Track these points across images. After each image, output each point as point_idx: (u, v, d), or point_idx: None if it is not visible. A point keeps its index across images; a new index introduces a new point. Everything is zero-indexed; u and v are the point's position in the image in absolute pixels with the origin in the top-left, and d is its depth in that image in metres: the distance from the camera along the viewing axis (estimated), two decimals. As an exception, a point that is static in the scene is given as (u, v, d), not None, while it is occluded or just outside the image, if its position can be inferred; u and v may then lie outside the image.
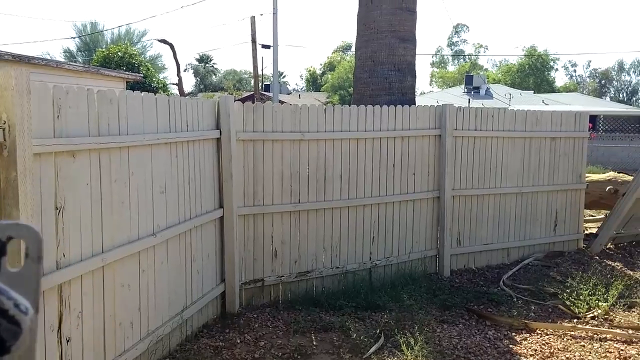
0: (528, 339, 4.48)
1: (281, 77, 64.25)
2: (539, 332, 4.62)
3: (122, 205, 3.40)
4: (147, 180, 3.68)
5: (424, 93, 48.17)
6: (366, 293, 5.30)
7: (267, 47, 25.92)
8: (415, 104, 7.08)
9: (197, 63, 71.43)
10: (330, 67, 57.23)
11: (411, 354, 3.98)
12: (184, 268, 4.21)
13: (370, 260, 5.79)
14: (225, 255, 4.82)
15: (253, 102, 5.14)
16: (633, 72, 61.34)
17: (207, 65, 71.43)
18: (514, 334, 4.57)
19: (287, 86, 60.94)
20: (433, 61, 68.78)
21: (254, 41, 25.20)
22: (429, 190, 6.20)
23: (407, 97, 7.19)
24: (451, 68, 65.74)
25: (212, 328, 4.50)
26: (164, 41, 20.41)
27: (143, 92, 3.69)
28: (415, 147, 6.04)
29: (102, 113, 3.21)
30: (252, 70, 27.15)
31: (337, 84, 44.41)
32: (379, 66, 7.14)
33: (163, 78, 29.52)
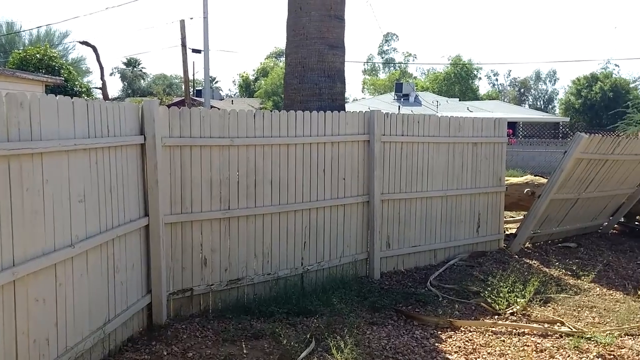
0: (453, 336, 4.64)
1: (213, 82, 63.25)
2: (463, 329, 4.80)
3: (36, 215, 3.21)
4: (64, 188, 3.49)
5: (357, 100, 49.01)
6: (298, 298, 5.30)
7: (198, 51, 25.47)
8: (345, 109, 7.19)
9: (124, 67, 69.04)
10: (263, 72, 57.03)
11: (341, 357, 4.02)
12: (106, 280, 4.03)
13: (302, 266, 5.79)
14: (152, 265, 4.66)
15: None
16: (549, 81, 65.46)
17: (135, 69, 69.20)
18: (439, 332, 4.72)
19: (220, 92, 60.10)
20: (364, 69, 70.24)
21: (184, 45, 24.68)
22: (359, 194, 6.30)
23: (337, 103, 7.29)
24: (382, 76, 67.36)
25: (137, 341, 4.33)
26: (86, 43, 19.54)
27: (59, 96, 3.50)
28: (345, 152, 6.12)
29: (11, 117, 3.02)
30: (182, 75, 26.55)
31: (271, 90, 44.32)
32: (309, 72, 7.20)
33: (87, 82, 28.25)
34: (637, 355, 4.28)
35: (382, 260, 6.54)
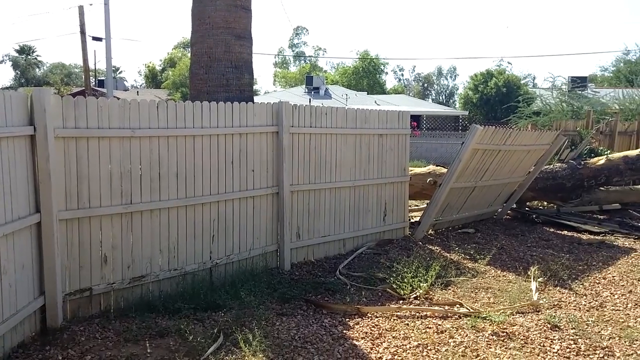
0: (360, 322, 4.77)
1: (117, 72, 60.15)
2: (370, 315, 4.94)
3: None
4: (-63, 183, 3.15)
5: (268, 92, 48.83)
6: (206, 293, 5.19)
7: (99, 39, 24.10)
8: (253, 101, 7.11)
9: (16, 54, 63.86)
10: (171, 63, 55.10)
11: (249, 349, 3.99)
12: (-9, 283, 3.70)
13: (210, 260, 5.68)
14: (45, 265, 4.35)
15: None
16: (450, 77, 69.05)
17: (28, 57, 64.24)
18: (347, 319, 4.83)
19: (125, 82, 57.30)
20: (276, 61, 70.10)
21: (83, 32, 23.23)
22: (268, 186, 6.27)
23: (245, 94, 7.20)
24: (293, 69, 67.52)
25: (29, 347, 4.02)
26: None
27: None
28: (253, 144, 6.06)
29: None
30: (82, 64, 24.97)
31: (179, 81, 42.96)
32: (216, 62, 7.04)
33: (-29, 69, 25.83)
34: (527, 332, 4.63)
35: (292, 251, 6.57)
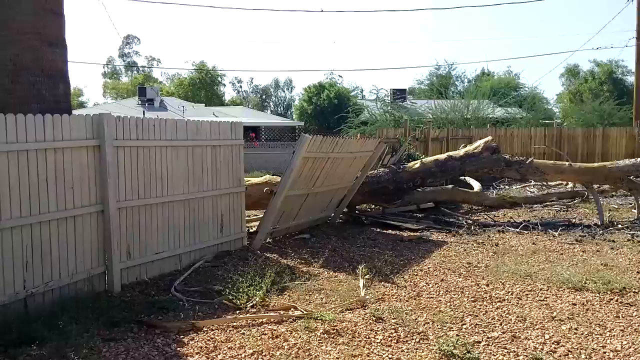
0: (195, 338, 4.67)
1: None
2: (206, 329, 4.87)
3: None
4: None
5: (98, 104, 45.66)
6: (20, 327, 4.64)
7: None
8: (71, 113, 6.57)
9: None
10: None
11: (70, 382, 3.67)
12: None
13: (25, 290, 5.09)
14: None
15: None
16: (287, 89, 71.18)
17: None
18: (182, 336, 4.70)
19: None
20: (105, 72, 65.76)
21: None
22: (91, 204, 5.83)
23: (61, 106, 6.60)
24: (125, 79, 63.97)
25: None
26: None
27: None
28: (72, 158, 5.60)
29: None
30: None
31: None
32: (24, 71, 6.36)
33: None
34: (355, 326, 4.96)
35: (122, 272, 6.19)
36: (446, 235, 9.39)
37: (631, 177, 11.14)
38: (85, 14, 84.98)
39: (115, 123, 6.09)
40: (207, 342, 4.58)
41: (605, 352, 4.44)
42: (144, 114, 29.12)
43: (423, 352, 4.43)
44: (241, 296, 5.56)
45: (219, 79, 56.35)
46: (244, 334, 4.78)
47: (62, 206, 5.49)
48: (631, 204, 12.10)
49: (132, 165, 6.34)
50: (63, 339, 4.49)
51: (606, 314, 5.36)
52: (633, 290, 6.06)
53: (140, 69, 62.62)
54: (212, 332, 4.80)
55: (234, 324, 4.99)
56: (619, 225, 10.04)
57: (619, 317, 5.27)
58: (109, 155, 5.94)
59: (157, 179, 6.70)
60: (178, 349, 4.44)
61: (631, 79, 35.87)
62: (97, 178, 5.90)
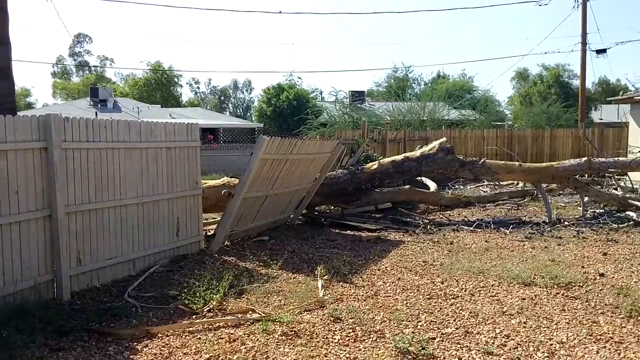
0: (149, 344, 4.54)
1: None
2: (161, 335, 4.74)
3: None
4: None
5: (47, 105, 44.07)
6: (-40, 340, 4.40)
7: None
8: (16, 113, 6.30)
9: None
10: None
11: (14, 395, 3.49)
12: None
13: (-35, 300, 4.84)
14: None
15: None
16: (245, 90, 70.60)
17: None
18: (135, 343, 4.56)
19: None
20: (55, 71, 63.57)
21: None
22: (37, 209, 5.60)
23: (4, 106, 6.34)
24: (76, 79, 62.06)
25: None
26: None
27: None
28: (16, 161, 5.36)
29: None
30: None
31: None
32: (-36, 70, 6.08)
33: None
34: (313, 327, 4.94)
35: (72, 279, 5.97)
36: (403, 235, 9.51)
37: (577, 176, 11.61)
38: (32, 11, 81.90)
39: (64, 124, 5.87)
40: (162, 348, 4.47)
41: (552, 344, 4.58)
42: (96, 115, 28.26)
43: (380, 350, 4.45)
44: (198, 300, 5.45)
45: (176, 79, 55.34)
46: (200, 338, 4.68)
47: (5, 211, 5.25)
48: (577, 202, 12.59)
49: (82, 167, 6.12)
50: (7, 350, 4.28)
51: (553, 307, 5.54)
52: (578, 284, 6.30)
53: (92, 68, 60.83)
54: (167, 338, 4.68)
55: (190, 329, 4.89)
56: (566, 223, 10.42)
57: (564, 310, 5.46)
58: (57, 157, 5.72)
59: (110, 182, 6.50)
60: (131, 356, 4.31)
61: (577, 83, 37.40)
62: (44, 181, 5.67)
